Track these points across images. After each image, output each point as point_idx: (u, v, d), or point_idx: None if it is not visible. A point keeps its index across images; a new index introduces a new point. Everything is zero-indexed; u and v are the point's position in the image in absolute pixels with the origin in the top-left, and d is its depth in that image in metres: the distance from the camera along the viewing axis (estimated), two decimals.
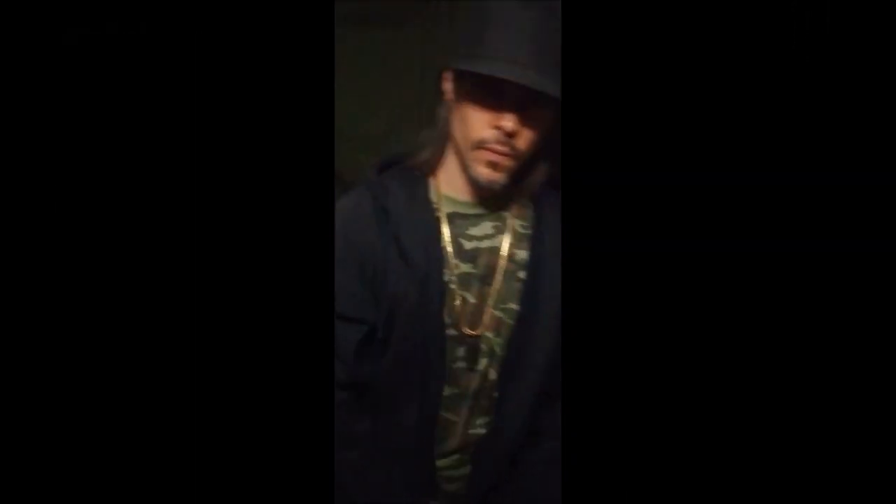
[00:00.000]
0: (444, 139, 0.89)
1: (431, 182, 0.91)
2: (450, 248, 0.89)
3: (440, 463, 0.92)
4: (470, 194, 0.91)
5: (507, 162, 0.84)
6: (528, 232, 0.91)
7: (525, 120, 0.82)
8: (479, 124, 0.83)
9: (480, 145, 0.83)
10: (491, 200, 0.90)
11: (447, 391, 0.90)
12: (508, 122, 0.80)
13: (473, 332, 0.88)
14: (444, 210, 0.90)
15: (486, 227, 0.91)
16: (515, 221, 0.91)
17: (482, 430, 0.91)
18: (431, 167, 0.91)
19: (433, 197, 0.91)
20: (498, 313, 0.89)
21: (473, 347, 0.89)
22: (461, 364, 0.90)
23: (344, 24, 1.06)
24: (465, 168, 0.87)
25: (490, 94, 0.80)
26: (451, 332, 0.88)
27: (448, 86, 0.86)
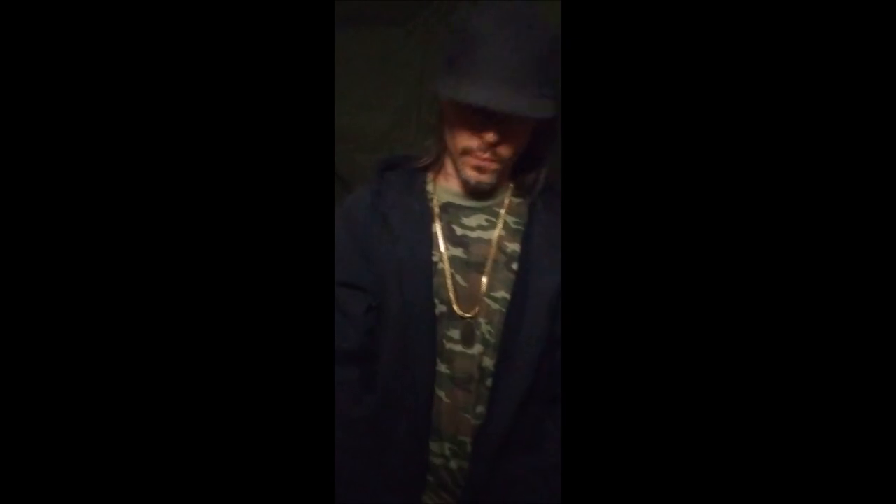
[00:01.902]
0: (440, 144, 0.97)
1: (430, 176, 0.99)
2: (440, 232, 0.95)
3: (431, 446, 0.94)
4: (464, 190, 0.98)
5: (492, 166, 0.93)
6: (521, 228, 0.97)
7: (506, 131, 0.90)
8: (465, 135, 0.91)
9: (467, 152, 0.92)
10: (485, 197, 0.98)
11: (441, 368, 0.94)
12: (489, 135, 0.89)
13: (466, 314, 0.93)
14: (438, 200, 0.98)
15: (479, 218, 0.97)
16: (509, 217, 0.97)
17: (476, 421, 0.93)
18: (431, 168, 0.99)
19: (430, 188, 0.99)
20: (489, 301, 0.94)
21: (468, 330, 0.94)
22: (455, 346, 0.93)
23: (344, 24, 1.06)
24: (457, 169, 0.96)
25: (472, 110, 0.88)
26: (441, 309, 0.93)
27: (437, 96, 0.93)
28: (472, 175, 0.93)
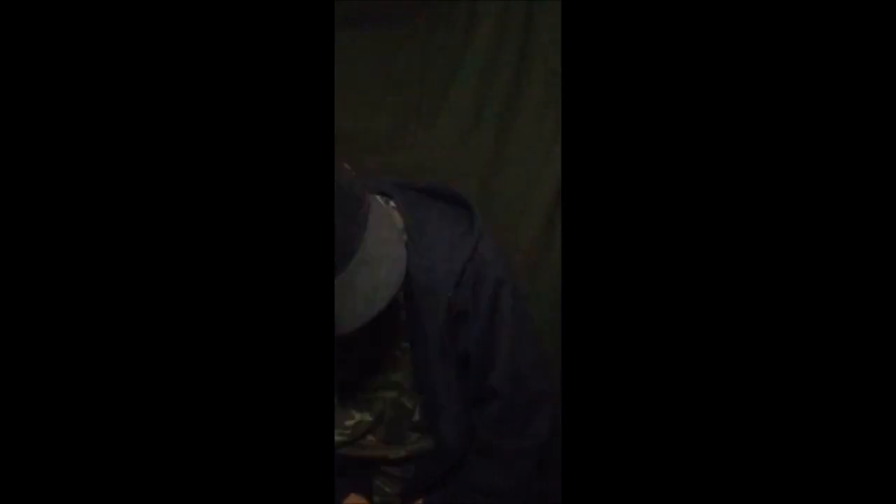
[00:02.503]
0: None
1: None
2: None
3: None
4: None
5: None
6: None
7: None
8: None
9: None
10: None
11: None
12: None
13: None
14: None
15: None
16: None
17: (408, 447, 0.99)
18: None
19: None
20: (395, 351, 0.96)
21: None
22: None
23: (344, 24, 1.06)
24: None
25: None
26: None
27: None
28: None
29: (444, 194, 1.01)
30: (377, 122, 1.22)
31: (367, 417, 0.99)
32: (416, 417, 0.98)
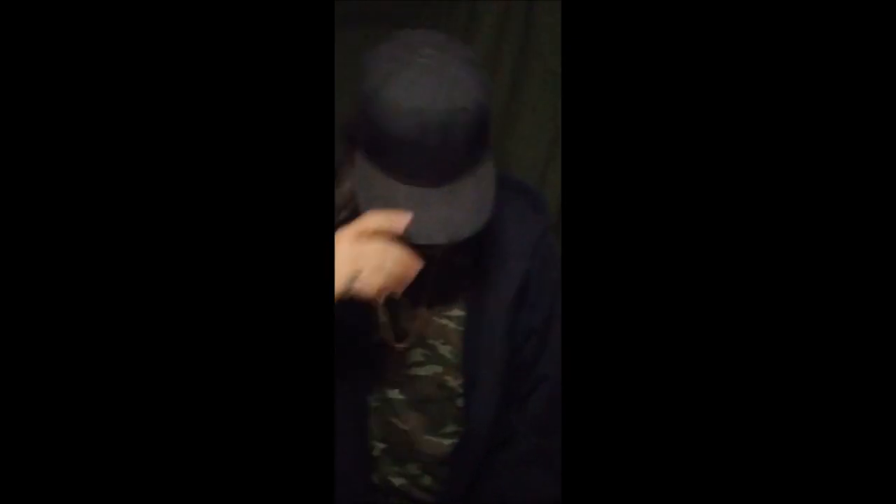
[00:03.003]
0: None
1: None
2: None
3: (396, 481, 0.93)
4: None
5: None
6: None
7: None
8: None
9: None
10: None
11: (392, 395, 0.91)
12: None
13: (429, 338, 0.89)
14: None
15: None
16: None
17: (447, 441, 0.91)
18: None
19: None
20: (442, 320, 0.89)
21: (434, 353, 0.90)
22: (408, 370, 0.90)
23: (344, 24, 1.06)
24: None
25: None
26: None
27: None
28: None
29: (510, 179, 0.97)
30: None
31: (399, 396, 0.92)
32: (460, 403, 0.91)
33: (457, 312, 0.90)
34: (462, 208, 0.77)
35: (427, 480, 0.92)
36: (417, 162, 0.75)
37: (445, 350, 0.90)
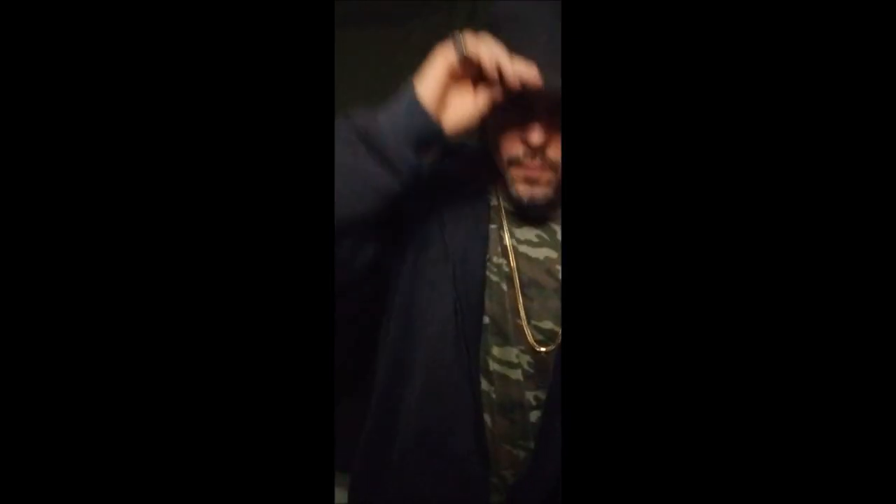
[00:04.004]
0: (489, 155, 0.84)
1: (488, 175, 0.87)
2: (491, 236, 0.84)
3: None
4: (518, 206, 0.85)
5: (545, 176, 0.79)
6: None
7: (553, 129, 0.77)
8: (508, 141, 0.79)
9: (513, 163, 0.79)
10: (544, 208, 0.84)
11: (485, 386, 0.83)
12: (535, 135, 0.76)
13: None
14: (500, 201, 0.86)
15: (529, 232, 0.85)
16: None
17: (522, 454, 0.84)
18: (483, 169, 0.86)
19: (491, 189, 0.87)
20: (531, 330, 0.84)
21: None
22: (497, 366, 0.84)
23: (344, 24, 1.06)
24: (508, 193, 0.83)
25: (515, 104, 0.76)
26: (486, 320, 0.83)
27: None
28: (523, 191, 0.80)
29: None
30: None
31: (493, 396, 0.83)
32: (534, 418, 0.83)
33: (549, 325, 0.83)
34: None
35: (493, 498, 0.85)
36: None
37: (526, 360, 0.84)
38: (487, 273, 0.84)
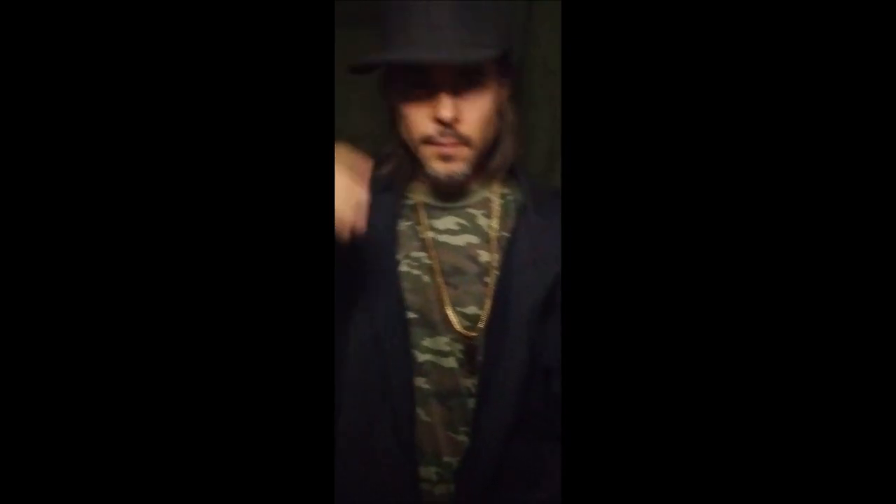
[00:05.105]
0: (399, 143, 0.86)
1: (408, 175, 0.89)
2: (407, 232, 0.86)
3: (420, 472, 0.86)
4: (437, 190, 0.87)
5: (460, 152, 0.81)
6: (503, 235, 0.86)
7: (462, 103, 0.79)
8: (418, 120, 0.81)
9: (426, 141, 0.81)
10: (461, 197, 0.87)
11: (419, 383, 0.85)
12: (444, 110, 0.78)
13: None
14: (415, 198, 0.88)
15: (446, 221, 0.87)
16: (487, 221, 0.87)
17: (462, 439, 0.85)
18: (401, 171, 0.88)
19: (408, 188, 0.89)
20: (459, 318, 0.85)
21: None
22: (429, 356, 0.85)
23: (344, 24, 1.06)
24: (424, 171, 0.84)
25: (419, 84, 0.78)
26: (412, 315, 0.84)
27: (383, 89, 0.85)
28: (439, 168, 0.82)
29: (540, 184, 0.96)
30: (377, 122, 1.22)
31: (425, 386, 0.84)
32: (472, 404, 0.84)
33: (472, 310, 0.85)
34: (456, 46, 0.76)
35: (440, 489, 0.86)
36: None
37: (457, 348, 0.85)
38: (406, 268, 0.85)
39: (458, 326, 0.85)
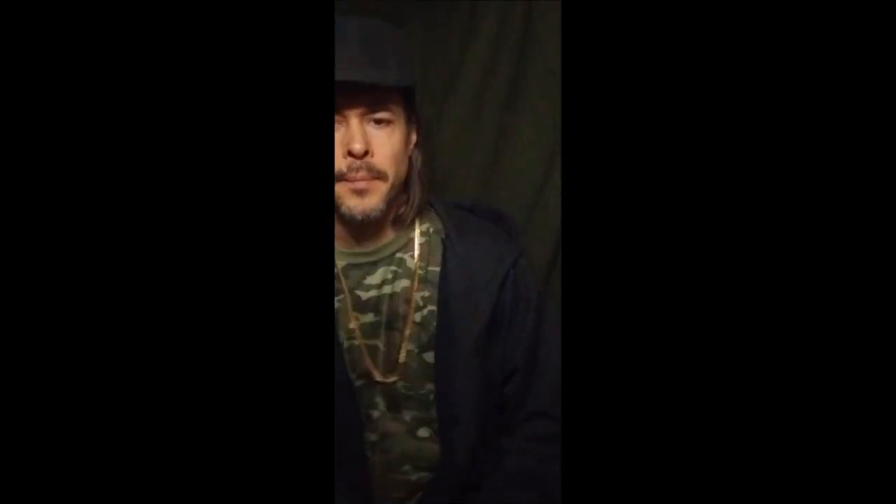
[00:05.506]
0: None
1: None
2: (349, 302, 0.87)
3: None
4: (358, 241, 0.88)
5: (374, 185, 0.81)
6: (434, 269, 0.88)
7: (373, 137, 0.80)
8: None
9: (339, 178, 0.80)
10: (384, 245, 0.88)
11: (369, 437, 0.88)
12: (356, 143, 0.78)
13: (387, 380, 0.87)
14: (338, 264, 0.88)
15: (382, 273, 0.88)
16: (414, 262, 0.88)
17: (414, 476, 0.89)
18: None
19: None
20: (411, 362, 0.87)
21: (392, 395, 0.88)
22: (379, 412, 0.88)
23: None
24: (339, 212, 0.83)
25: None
26: (359, 382, 0.87)
27: None
28: (354, 204, 0.81)
29: (478, 208, 0.98)
30: None
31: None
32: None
33: (422, 354, 0.88)
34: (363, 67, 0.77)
35: None
36: None
37: (414, 395, 0.88)
38: (347, 343, 0.88)
39: (377, 377, 0.87)
